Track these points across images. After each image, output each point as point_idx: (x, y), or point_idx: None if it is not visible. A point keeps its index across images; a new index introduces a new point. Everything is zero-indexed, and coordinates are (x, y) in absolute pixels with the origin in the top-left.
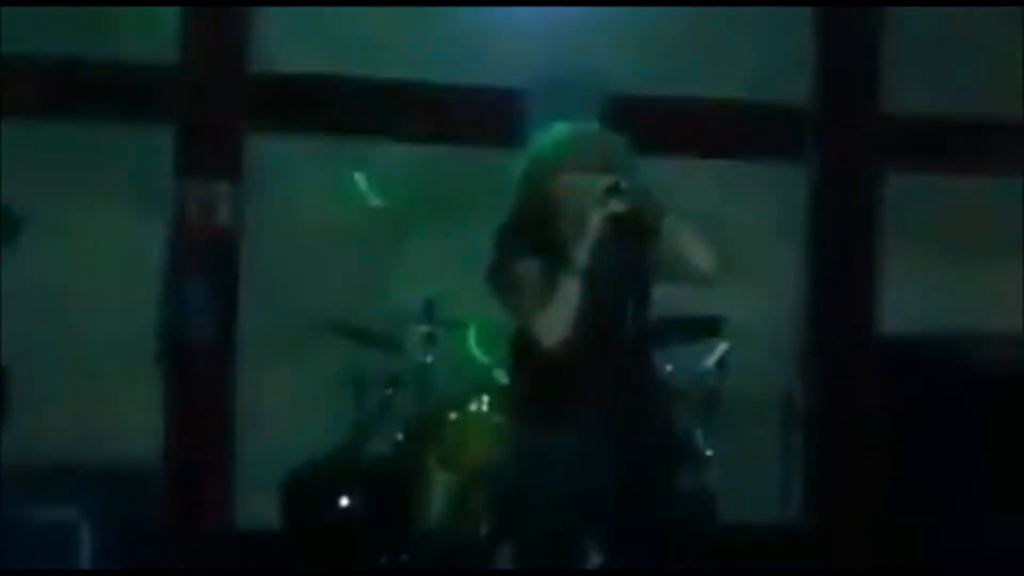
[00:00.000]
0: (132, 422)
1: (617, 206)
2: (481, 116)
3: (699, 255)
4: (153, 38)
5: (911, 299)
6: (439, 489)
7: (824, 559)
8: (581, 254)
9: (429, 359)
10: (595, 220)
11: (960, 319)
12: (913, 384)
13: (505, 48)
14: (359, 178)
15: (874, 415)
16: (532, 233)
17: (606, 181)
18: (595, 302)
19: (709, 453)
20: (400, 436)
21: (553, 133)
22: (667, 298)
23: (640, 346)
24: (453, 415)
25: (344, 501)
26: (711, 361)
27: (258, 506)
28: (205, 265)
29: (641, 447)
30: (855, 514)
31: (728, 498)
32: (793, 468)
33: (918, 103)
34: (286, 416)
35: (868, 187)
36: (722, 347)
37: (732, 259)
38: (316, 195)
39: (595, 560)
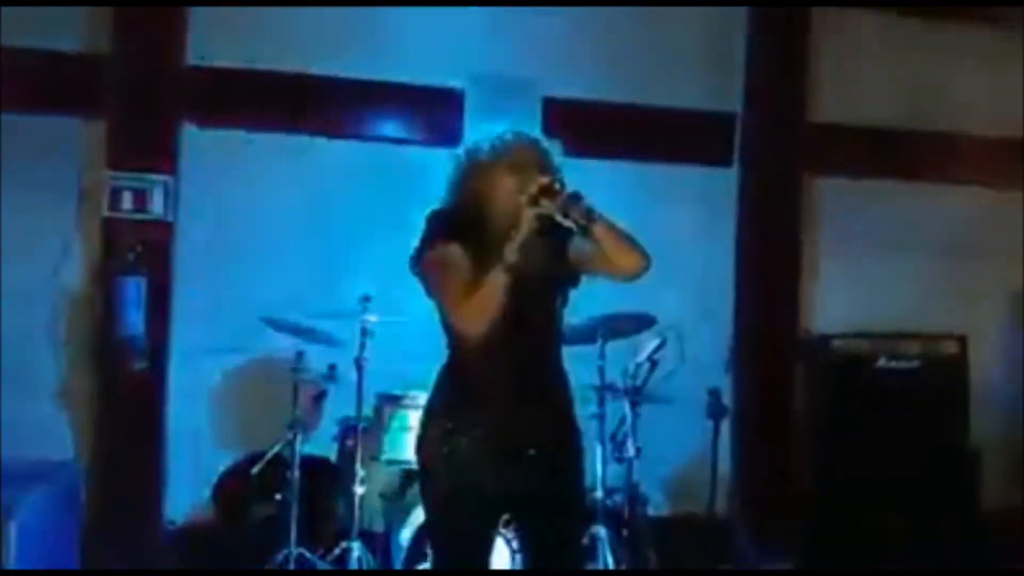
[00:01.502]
0: (60, 419)
1: (548, 206)
2: (418, 114)
3: (627, 259)
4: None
5: (834, 299)
6: (375, 485)
7: (748, 550)
8: (510, 251)
9: (366, 355)
10: (526, 219)
11: (882, 318)
12: (835, 381)
13: (443, 48)
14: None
15: (798, 410)
16: (462, 225)
17: (539, 181)
18: (519, 298)
19: (638, 447)
20: (337, 432)
21: (490, 132)
22: (601, 295)
23: (556, 344)
24: (389, 411)
25: (278, 497)
26: (643, 357)
27: (190, 504)
28: (138, 259)
29: (553, 443)
30: (779, 507)
31: (656, 491)
32: (720, 462)
33: (842, 111)
34: (221, 411)
35: (795, 191)
36: (654, 343)
37: (664, 259)
38: (250, 189)
39: (511, 553)
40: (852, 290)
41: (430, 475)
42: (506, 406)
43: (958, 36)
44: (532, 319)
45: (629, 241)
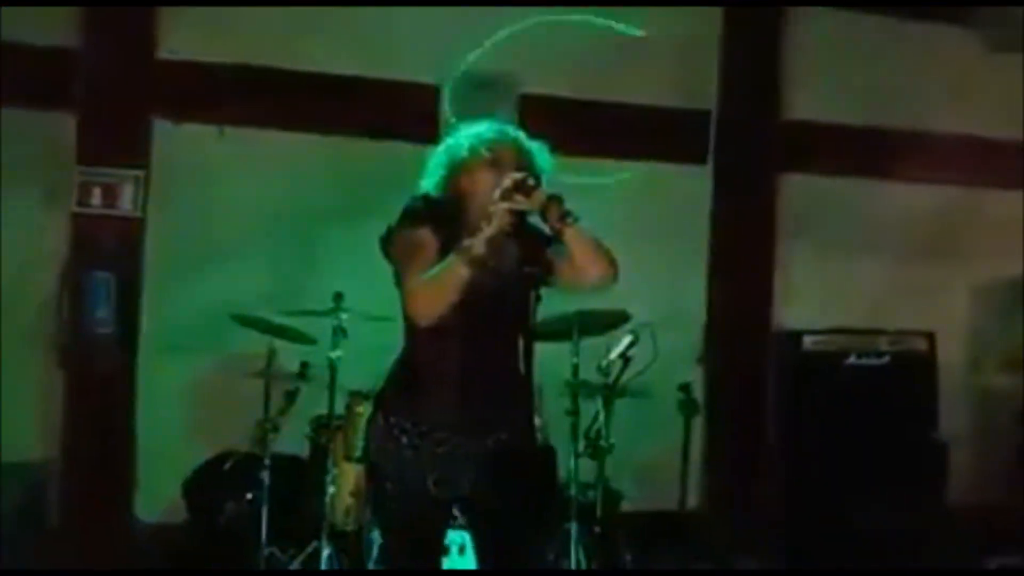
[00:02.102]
0: (30, 415)
1: (522, 203)
2: (396, 110)
3: (595, 267)
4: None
5: (805, 296)
6: (346, 484)
7: (720, 545)
8: (478, 244)
9: (338, 353)
10: (498, 214)
11: (852, 315)
12: (806, 377)
13: (423, 44)
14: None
15: (769, 406)
16: (438, 216)
17: (512, 176)
18: (486, 295)
19: (612, 442)
20: (308, 430)
21: (469, 128)
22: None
23: (518, 342)
24: (361, 409)
25: (249, 496)
26: (616, 353)
27: (161, 503)
28: (107, 255)
29: (507, 442)
30: (750, 501)
31: (629, 486)
32: (691, 457)
33: (814, 110)
34: (193, 410)
35: (768, 189)
36: (627, 340)
37: (638, 256)
38: (222, 185)
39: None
40: (823, 287)
41: (376, 469)
42: (458, 402)
43: (926, 36)
44: (498, 317)
45: (601, 251)
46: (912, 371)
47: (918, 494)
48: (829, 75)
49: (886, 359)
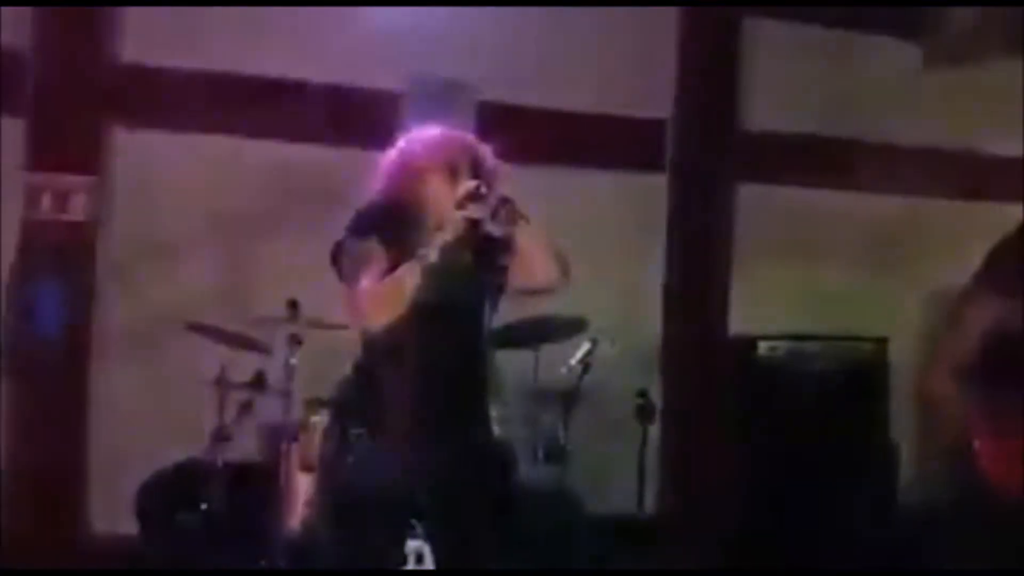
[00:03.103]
0: None
1: (475, 211)
2: (349, 116)
3: (546, 269)
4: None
5: (761, 302)
6: (302, 492)
7: (677, 550)
8: (431, 252)
9: (293, 360)
10: (452, 222)
11: (806, 321)
12: (761, 382)
13: (378, 50)
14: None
15: (726, 411)
16: (389, 223)
17: (466, 186)
18: (441, 303)
19: (569, 448)
20: (263, 439)
21: (422, 134)
22: (533, 301)
23: (480, 350)
24: (317, 417)
25: (203, 506)
26: (574, 360)
27: (114, 512)
28: (58, 262)
29: (469, 448)
30: (707, 505)
31: (587, 492)
32: (648, 462)
33: (770, 119)
34: (145, 419)
35: (723, 196)
36: (585, 347)
37: (596, 263)
38: (178, 191)
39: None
40: (778, 294)
41: (333, 477)
42: (415, 409)
43: (877, 48)
44: (454, 324)
45: (552, 252)
46: (865, 376)
47: (870, 495)
48: (784, 86)
49: (839, 364)
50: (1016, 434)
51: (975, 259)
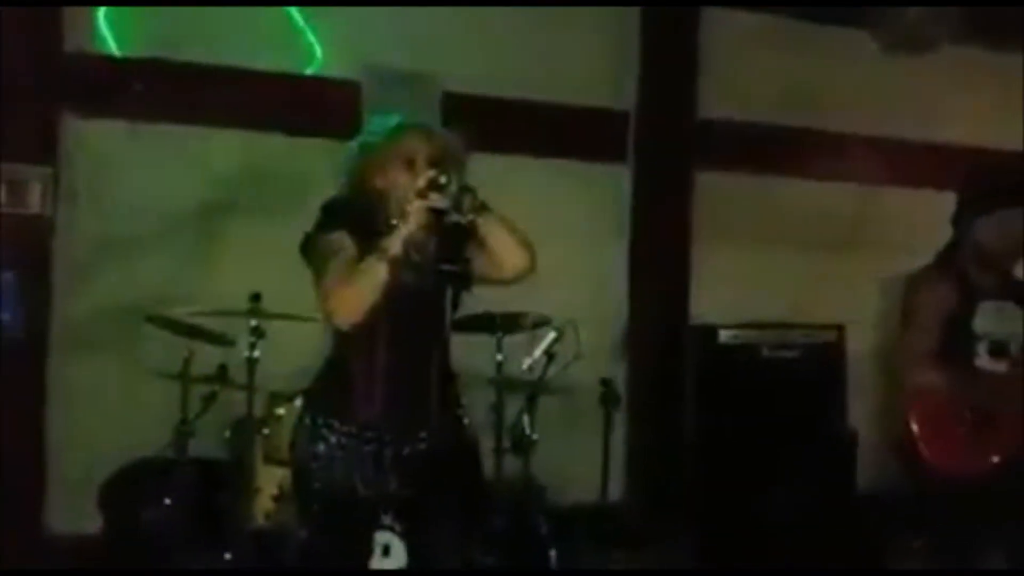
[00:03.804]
0: None
1: (437, 200)
2: (312, 106)
3: (511, 256)
4: None
5: (721, 290)
6: (266, 486)
7: (639, 536)
8: (394, 243)
9: (256, 354)
10: (414, 212)
11: (765, 309)
12: (722, 369)
13: (341, 40)
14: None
15: (687, 399)
16: (355, 216)
17: (427, 174)
18: (407, 294)
19: (535, 438)
20: (227, 433)
21: (385, 124)
22: (496, 290)
23: (443, 340)
24: (281, 411)
25: (167, 502)
26: (540, 351)
27: (74, 508)
28: (14, 255)
29: (435, 442)
30: (670, 492)
31: (552, 480)
32: (613, 449)
33: (729, 109)
34: (106, 414)
35: (685, 187)
36: (550, 336)
37: (560, 253)
38: (135, 183)
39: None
40: (738, 282)
41: (300, 473)
42: (384, 403)
43: (836, 38)
44: (423, 315)
45: (518, 238)
46: (823, 362)
47: (828, 481)
48: (743, 76)
49: (798, 351)
50: (948, 418)
51: (930, 246)
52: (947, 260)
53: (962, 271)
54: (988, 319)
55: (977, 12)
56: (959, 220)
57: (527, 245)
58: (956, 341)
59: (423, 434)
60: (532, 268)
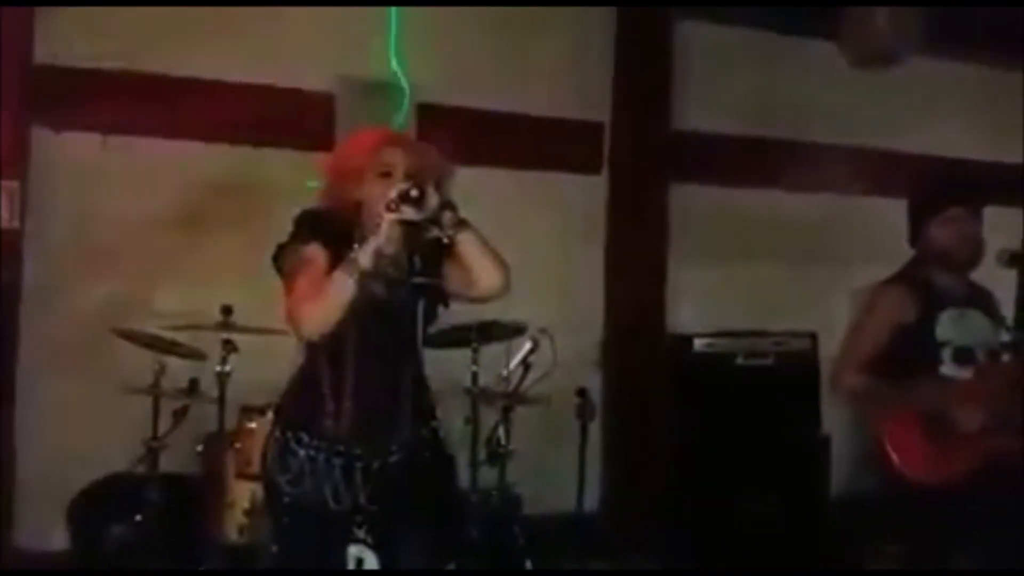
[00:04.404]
0: None
1: (410, 213)
2: (286, 117)
3: (486, 275)
4: None
5: (696, 300)
6: (239, 501)
7: (616, 545)
8: (364, 257)
9: (228, 367)
10: (386, 224)
11: (739, 318)
12: (697, 377)
13: (315, 51)
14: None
15: (663, 408)
16: (328, 228)
17: (399, 187)
18: (379, 307)
19: (511, 448)
20: (199, 447)
21: (359, 136)
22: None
23: (416, 354)
24: (252, 424)
25: (138, 518)
26: (516, 361)
27: (42, 524)
28: None
29: (407, 454)
30: (646, 500)
31: (529, 491)
32: (588, 459)
33: (702, 120)
34: (75, 429)
35: (660, 198)
36: (526, 347)
37: (536, 264)
38: (106, 195)
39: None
40: (712, 291)
41: (270, 487)
42: (354, 417)
43: (804, 50)
44: (395, 329)
45: (494, 258)
46: (797, 370)
47: (803, 487)
48: (716, 88)
49: (772, 359)
50: (914, 420)
51: (902, 256)
52: (911, 271)
53: (926, 280)
54: (950, 326)
55: (943, 25)
56: (914, 230)
57: (503, 265)
58: (919, 349)
59: (395, 447)
60: (506, 288)
